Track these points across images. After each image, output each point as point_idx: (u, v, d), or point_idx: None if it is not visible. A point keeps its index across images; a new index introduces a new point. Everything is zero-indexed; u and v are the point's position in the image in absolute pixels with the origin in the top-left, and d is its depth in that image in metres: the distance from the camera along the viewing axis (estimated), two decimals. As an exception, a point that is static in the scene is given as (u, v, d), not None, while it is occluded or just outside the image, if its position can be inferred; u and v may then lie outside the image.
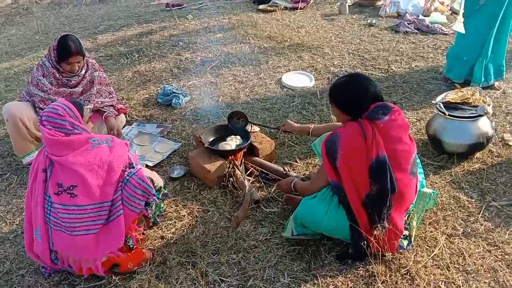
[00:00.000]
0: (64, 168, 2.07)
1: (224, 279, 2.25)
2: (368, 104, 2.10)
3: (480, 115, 2.85)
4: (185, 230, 2.58)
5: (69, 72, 3.14)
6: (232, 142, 3.00)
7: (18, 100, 3.27)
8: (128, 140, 3.44)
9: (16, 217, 2.79)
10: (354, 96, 2.14)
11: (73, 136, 2.11)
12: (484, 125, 2.89)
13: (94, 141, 2.14)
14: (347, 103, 2.17)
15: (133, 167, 2.19)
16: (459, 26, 3.44)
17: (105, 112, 3.25)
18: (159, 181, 2.41)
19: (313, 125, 2.82)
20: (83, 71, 3.22)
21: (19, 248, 2.54)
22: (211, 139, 3.12)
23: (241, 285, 2.21)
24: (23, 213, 2.72)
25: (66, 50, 3.02)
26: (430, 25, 5.30)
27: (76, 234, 2.06)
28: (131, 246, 2.29)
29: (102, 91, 3.35)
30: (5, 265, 2.44)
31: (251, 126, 3.12)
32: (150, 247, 2.46)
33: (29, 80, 3.18)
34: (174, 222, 2.65)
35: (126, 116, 3.69)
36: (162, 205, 2.61)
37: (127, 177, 2.13)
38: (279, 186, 2.68)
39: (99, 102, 3.27)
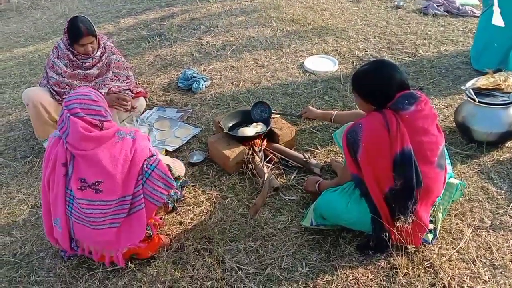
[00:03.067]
0: (90, 163, 2.01)
1: (241, 266, 2.22)
2: (393, 93, 1.99)
3: (513, 102, 2.71)
4: (203, 216, 2.56)
5: (83, 54, 3.12)
6: (252, 129, 2.94)
7: (39, 86, 3.28)
8: (148, 124, 3.43)
9: (37, 200, 2.83)
10: (378, 85, 2.03)
11: (104, 131, 2.04)
12: (517, 112, 2.74)
13: (120, 135, 2.09)
14: (371, 92, 2.06)
15: (153, 156, 2.15)
16: (497, 18, 3.18)
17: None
18: (181, 170, 2.39)
19: (335, 111, 2.72)
20: (99, 53, 3.20)
21: (40, 231, 2.57)
22: (231, 124, 3.07)
23: (258, 273, 2.18)
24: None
25: (76, 32, 2.99)
26: (460, 7, 5.06)
27: (99, 228, 2.05)
28: (150, 234, 2.27)
29: (119, 75, 3.33)
30: (26, 247, 2.48)
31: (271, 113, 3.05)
32: (168, 233, 2.45)
33: (46, 63, 3.19)
34: (193, 208, 2.63)
35: (146, 100, 3.68)
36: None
37: (149, 171, 2.08)
38: (304, 186, 2.60)
39: (116, 86, 3.26)
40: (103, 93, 3.13)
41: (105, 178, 2.02)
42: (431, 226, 2.14)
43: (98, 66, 3.21)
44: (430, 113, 2.02)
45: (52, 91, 3.13)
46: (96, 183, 2.02)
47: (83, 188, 2.03)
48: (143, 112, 3.59)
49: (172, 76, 4.20)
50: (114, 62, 3.29)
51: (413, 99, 1.98)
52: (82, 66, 3.17)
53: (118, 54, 3.36)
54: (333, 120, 2.69)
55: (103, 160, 2.00)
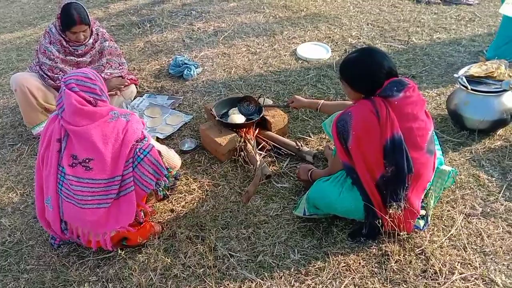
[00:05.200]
0: (81, 139, 2.02)
1: (233, 253, 2.21)
2: (382, 81, 1.97)
3: (505, 90, 2.70)
4: (195, 204, 2.55)
5: (75, 42, 3.06)
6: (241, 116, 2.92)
7: (28, 71, 3.22)
8: (139, 112, 3.39)
9: (26, 188, 2.79)
10: (366, 72, 2.00)
11: (97, 108, 2.07)
12: (509, 100, 2.74)
13: (114, 114, 2.11)
14: (359, 80, 2.04)
15: (144, 141, 2.13)
16: (507, 8, 3.08)
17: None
18: (177, 161, 2.38)
19: (322, 101, 2.68)
20: (91, 40, 3.14)
21: (29, 219, 2.54)
22: (223, 111, 3.04)
23: (250, 260, 2.18)
24: (34, 184, 2.71)
25: (69, 20, 2.94)
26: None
27: (86, 207, 2.04)
28: (140, 222, 2.26)
29: (112, 61, 3.28)
30: (15, 235, 2.45)
31: (264, 99, 3.02)
32: (159, 220, 2.44)
33: (37, 48, 3.12)
34: (184, 195, 2.61)
35: (137, 87, 3.63)
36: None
37: (141, 156, 2.07)
38: (297, 174, 2.59)
39: (108, 74, 3.21)
40: None
41: (96, 155, 2.01)
42: (422, 212, 2.14)
43: (90, 53, 3.17)
44: (419, 99, 2.01)
45: (45, 76, 3.07)
46: (87, 160, 2.01)
47: (74, 164, 2.03)
48: (134, 99, 3.54)
49: (163, 62, 4.14)
50: (107, 49, 3.24)
51: (402, 85, 1.97)
52: (74, 53, 3.11)
53: (111, 40, 3.30)
54: (319, 109, 2.66)
55: (94, 136, 2.01)
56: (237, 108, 3.02)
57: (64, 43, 3.05)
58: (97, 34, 3.18)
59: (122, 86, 3.33)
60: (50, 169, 2.09)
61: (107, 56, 3.24)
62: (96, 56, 3.20)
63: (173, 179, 2.48)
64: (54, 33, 3.03)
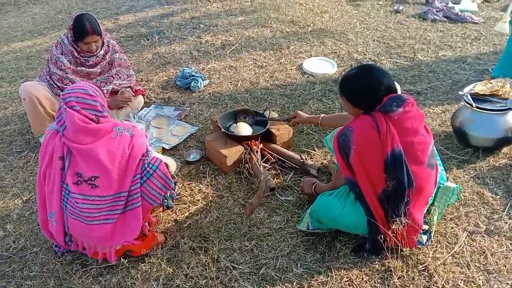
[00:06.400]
0: (87, 157, 1.99)
1: (236, 266, 2.22)
2: (381, 97, 1.99)
3: (510, 108, 2.71)
4: (199, 214, 2.56)
5: (87, 52, 3.12)
6: (249, 128, 2.94)
7: (38, 80, 3.26)
8: (146, 122, 3.42)
9: (32, 194, 2.81)
10: (366, 89, 2.02)
11: (101, 124, 2.03)
12: (514, 119, 2.75)
13: (118, 130, 2.07)
14: (359, 96, 2.06)
15: (149, 155, 2.13)
16: (503, 26, 3.09)
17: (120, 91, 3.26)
18: (173, 167, 2.39)
19: (322, 115, 2.71)
20: (102, 51, 3.19)
21: (34, 226, 2.55)
22: (229, 123, 3.07)
23: (253, 273, 2.18)
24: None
25: (82, 30, 2.98)
26: (459, 13, 5.09)
27: (93, 224, 2.03)
28: (144, 234, 2.26)
29: (121, 73, 3.33)
30: (20, 241, 2.46)
31: (269, 112, 3.04)
32: (163, 230, 2.44)
33: (48, 58, 3.17)
34: (188, 206, 2.62)
35: (144, 98, 3.67)
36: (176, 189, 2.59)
37: (151, 171, 2.07)
38: (301, 187, 2.60)
39: (117, 84, 3.26)
40: (106, 90, 3.16)
41: (102, 173, 2.00)
42: (425, 227, 2.14)
43: (101, 64, 3.22)
44: (418, 114, 2.03)
45: (55, 86, 3.11)
46: (93, 178, 2.00)
47: (79, 182, 2.01)
48: (141, 109, 3.58)
49: (171, 74, 4.19)
50: (117, 60, 3.29)
51: (401, 101, 1.99)
52: (85, 64, 3.16)
53: (121, 52, 3.36)
54: (320, 123, 2.68)
55: (101, 155, 1.98)
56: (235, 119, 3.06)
57: (76, 53, 3.10)
58: (108, 46, 3.24)
59: (127, 103, 3.31)
60: (53, 186, 2.05)
61: (116, 67, 3.29)
62: (106, 67, 3.25)
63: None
64: (66, 44, 3.08)
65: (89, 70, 3.17)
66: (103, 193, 2.00)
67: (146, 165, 2.08)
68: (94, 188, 2.00)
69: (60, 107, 2.02)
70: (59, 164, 2.04)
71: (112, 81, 3.26)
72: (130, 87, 3.37)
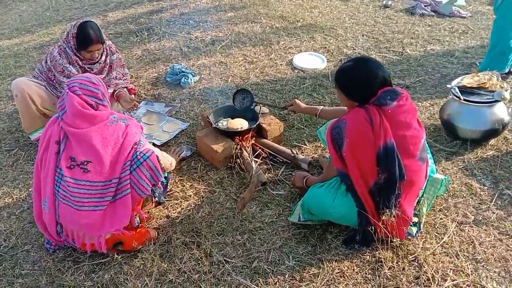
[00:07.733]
0: (81, 141, 2.05)
1: (229, 260, 2.23)
2: (376, 90, 2.01)
3: (497, 101, 2.75)
4: (191, 210, 2.56)
5: (89, 60, 3.11)
6: (239, 121, 2.95)
7: (29, 78, 3.21)
8: (136, 118, 3.41)
9: (22, 193, 2.79)
10: (361, 81, 2.04)
11: (98, 112, 2.11)
12: (500, 111, 2.79)
13: (113, 118, 2.14)
14: (354, 89, 2.08)
15: (141, 144, 2.16)
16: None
17: (117, 91, 3.25)
18: (167, 166, 2.40)
19: (321, 107, 2.73)
20: (103, 57, 3.19)
21: (25, 224, 2.54)
22: (219, 119, 3.07)
23: (245, 266, 2.19)
24: (30, 189, 2.73)
25: (86, 39, 2.96)
26: (447, 7, 5.12)
27: (82, 209, 2.06)
28: (137, 224, 2.28)
29: (117, 72, 3.32)
30: (10, 240, 2.45)
31: (260, 107, 3.06)
32: (155, 226, 2.45)
33: (46, 60, 3.11)
34: (180, 201, 2.63)
35: (135, 95, 3.65)
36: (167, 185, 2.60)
37: (141, 160, 2.10)
38: (292, 181, 2.61)
39: (114, 84, 3.27)
40: (108, 93, 3.15)
41: (94, 158, 2.04)
42: (415, 219, 2.17)
43: (105, 70, 3.23)
44: (411, 108, 2.06)
45: (58, 88, 3.10)
46: (85, 162, 2.04)
47: (72, 166, 2.05)
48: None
49: (161, 70, 4.18)
50: (115, 61, 3.29)
51: (395, 94, 2.01)
52: (90, 72, 3.14)
53: (117, 52, 3.34)
54: (319, 115, 2.69)
55: (94, 139, 2.04)
56: (233, 101, 3.05)
57: (81, 63, 3.09)
58: (106, 49, 3.21)
59: (135, 104, 3.25)
60: (48, 171, 2.11)
61: (116, 69, 3.30)
62: (108, 71, 3.26)
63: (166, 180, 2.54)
64: (70, 54, 3.05)
65: None
66: (94, 178, 2.03)
67: (137, 154, 2.11)
68: (85, 172, 2.03)
69: (64, 93, 2.10)
70: (55, 148, 2.10)
71: (114, 82, 3.27)
72: (125, 87, 3.35)
